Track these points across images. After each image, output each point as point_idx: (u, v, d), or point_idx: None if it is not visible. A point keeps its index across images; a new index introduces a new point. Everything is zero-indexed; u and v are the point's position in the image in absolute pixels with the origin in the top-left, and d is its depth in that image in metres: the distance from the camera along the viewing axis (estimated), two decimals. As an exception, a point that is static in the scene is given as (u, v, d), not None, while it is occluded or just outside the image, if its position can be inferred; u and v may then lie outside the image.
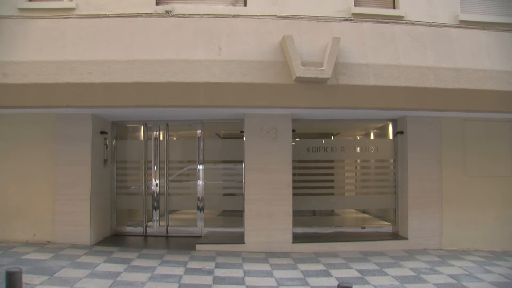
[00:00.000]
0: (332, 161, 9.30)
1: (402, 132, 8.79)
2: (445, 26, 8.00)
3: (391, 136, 9.37)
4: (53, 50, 7.23)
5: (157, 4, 7.72)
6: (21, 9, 7.66)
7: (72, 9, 7.67)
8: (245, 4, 7.87)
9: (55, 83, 7.09)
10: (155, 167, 9.24)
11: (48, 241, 8.09)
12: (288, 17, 7.59)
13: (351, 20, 7.78)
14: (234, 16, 7.54)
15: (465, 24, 8.12)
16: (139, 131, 9.58)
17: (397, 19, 7.94)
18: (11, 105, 7.30)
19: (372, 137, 10.99)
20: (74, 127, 8.17)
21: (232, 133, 9.69)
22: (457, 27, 8.06)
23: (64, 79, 7.10)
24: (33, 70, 7.10)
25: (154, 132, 9.30)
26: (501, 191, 8.76)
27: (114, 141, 9.29)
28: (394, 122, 9.20)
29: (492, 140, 8.87)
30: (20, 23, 7.43)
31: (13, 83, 7.06)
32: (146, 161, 9.29)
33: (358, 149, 9.43)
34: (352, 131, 11.50)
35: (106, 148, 8.90)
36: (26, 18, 7.48)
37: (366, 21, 7.73)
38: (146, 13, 7.53)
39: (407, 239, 8.50)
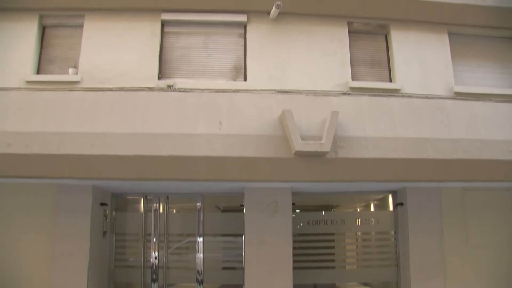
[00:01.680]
0: (332, 233, 9.20)
1: (402, 204, 8.75)
2: (441, 98, 8.16)
3: (391, 208, 9.33)
4: (57, 122, 7.34)
5: (159, 78, 7.96)
6: (28, 82, 7.84)
7: (77, 82, 7.87)
8: (245, 79, 8.10)
9: (57, 154, 7.15)
10: (155, 240, 9.07)
11: (43, 315, 7.88)
12: (287, 92, 7.77)
13: (349, 94, 7.99)
14: (234, 90, 7.74)
15: (459, 95, 8.30)
16: (139, 203, 9.50)
17: (394, 92, 8.14)
18: (12, 175, 7.28)
19: (372, 208, 10.90)
20: (74, 198, 8.10)
21: (232, 206, 9.61)
22: (452, 98, 8.23)
23: (66, 151, 7.17)
24: (36, 140, 7.19)
25: (154, 205, 9.22)
26: (505, 261, 8.60)
27: (113, 213, 9.21)
28: (394, 193, 9.19)
29: (492, 209, 8.80)
30: (26, 95, 7.60)
31: (16, 153, 7.12)
32: (145, 234, 9.13)
33: (359, 221, 9.38)
34: (352, 203, 11.44)
35: (106, 219, 8.81)
36: (32, 90, 7.65)
37: (363, 95, 7.91)
38: (148, 87, 7.74)
39: (410, 312, 8.29)
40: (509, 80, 8.93)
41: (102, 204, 8.64)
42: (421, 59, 8.48)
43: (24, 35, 8.15)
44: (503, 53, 9.09)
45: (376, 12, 8.51)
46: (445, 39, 8.70)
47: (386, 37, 8.78)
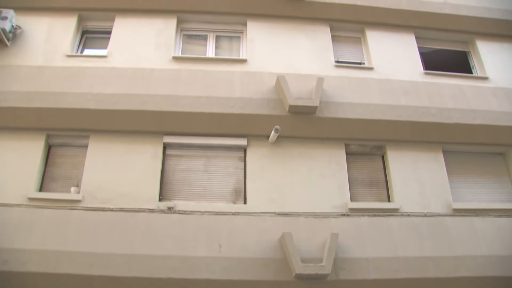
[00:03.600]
0: None
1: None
2: (440, 215, 8.26)
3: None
4: (56, 240, 7.36)
5: (160, 200, 8.03)
6: (30, 199, 7.88)
7: (78, 201, 7.90)
8: (245, 202, 8.17)
9: (54, 273, 7.11)
10: None
11: None
12: (287, 214, 7.89)
13: (348, 215, 8.05)
14: (234, 213, 7.83)
15: (458, 212, 8.36)
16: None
17: (393, 212, 8.21)
18: (6, 294, 7.18)
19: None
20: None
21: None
22: (451, 215, 8.30)
23: (64, 270, 7.14)
24: (33, 258, 7.17)
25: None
26: None
27: None
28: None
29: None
30: (26, 211, 7.67)
31: (11, 271, 7.07)
32: None
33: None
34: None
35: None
36: (33, 207, 7.72)
37: (363, 215, 8.02)
38: (149, 209, 7.80)
39: None
40: (506, 194, 9.05)
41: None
42: (418, 178, 8.63)
43: (30, 153, 8.33)
44: (497, 168, 9.30)
45: (372, 134, 8.80)
46: (440, 157, 8.92)
47: (383, 157, 8.99)
